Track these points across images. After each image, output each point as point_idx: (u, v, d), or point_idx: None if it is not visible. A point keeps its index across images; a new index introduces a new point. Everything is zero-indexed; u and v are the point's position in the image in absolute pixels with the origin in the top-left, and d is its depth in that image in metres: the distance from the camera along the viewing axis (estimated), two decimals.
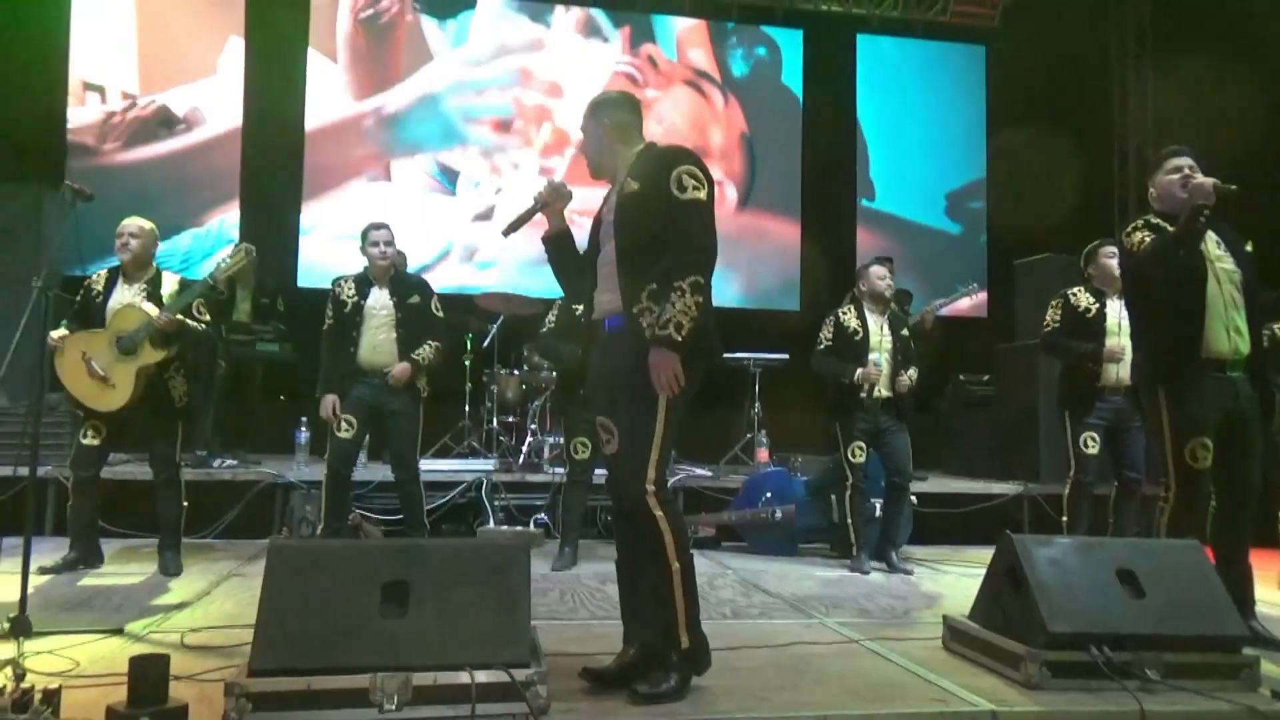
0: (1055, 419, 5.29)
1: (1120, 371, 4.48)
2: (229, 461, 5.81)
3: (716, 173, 8.79)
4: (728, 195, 8.96)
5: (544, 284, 7.72)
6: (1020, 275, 7.34)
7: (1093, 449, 4.61)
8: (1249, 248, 3.56)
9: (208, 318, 4.32)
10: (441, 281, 7.80)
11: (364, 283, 4.57)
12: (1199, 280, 3.41)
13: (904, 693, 2.70)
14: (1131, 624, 2.82)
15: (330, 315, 4.56)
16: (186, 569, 4.33)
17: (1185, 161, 3.51)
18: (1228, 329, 3.41)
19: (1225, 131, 7.57)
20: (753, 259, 8.92)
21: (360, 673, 2.34)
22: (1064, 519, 4.78)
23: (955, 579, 4.72)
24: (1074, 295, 4.74)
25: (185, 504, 4.37)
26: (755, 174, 9.11)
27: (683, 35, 9.11)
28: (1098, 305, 4.65)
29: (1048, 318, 4.82)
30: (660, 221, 2.57)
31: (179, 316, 4.10)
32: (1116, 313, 4.58)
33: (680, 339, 2.48)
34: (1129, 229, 3.55)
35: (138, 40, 8.03)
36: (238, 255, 4.22)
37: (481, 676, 2.36)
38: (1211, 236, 3.47)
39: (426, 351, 4.55)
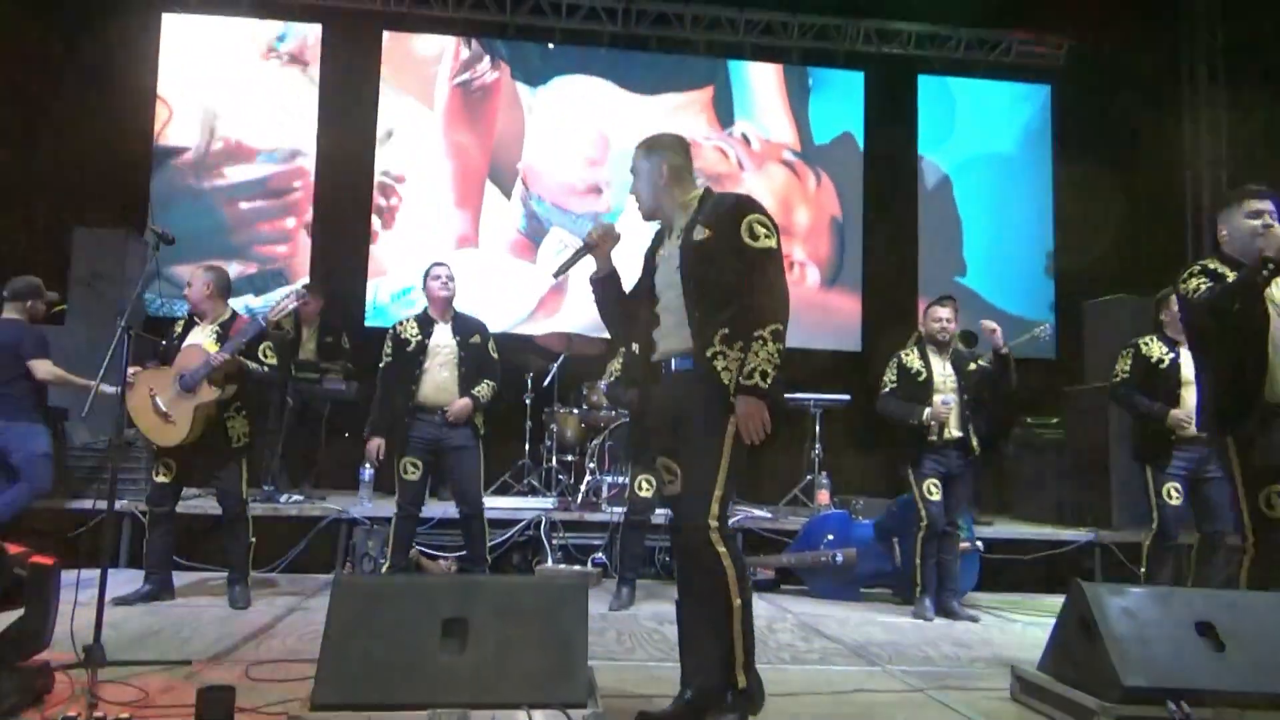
0: (1127, 464, 5.14)
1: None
2: (295, 497, 5.94)
3: (799, 253, 8.85)
4: (809, 277, 8.94)
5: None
6: (1090, 316, 7.17)
7: (1176, 500, 4.47)
8: None
9: (273, 360, 4.45)
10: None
11: (426, 322, 4.69)
12: (1261, 326, 3.26)
13: None
14: (1212, 679, 2.70)
15: (389, 354, 4.67)
16: (253, 602, 4.42)
17: (1266, 206, 3.32)
18: None
19: None
20: (819, 318, 8.87)
21: (419, 709, 2.36)
22: (1142, 570, 4.62)
23: (1023, 628, 4.58)
24: (1145, 345, 4.62)
25: (253, 540, 4.48)
26: (843, 257, 9.06)
27: (762, 99, 9.18)
28: (1171, 356, 4.51)
29: (1118, 368, 4.70)
30: (732, 269, 2.64)
31: (237, 357, 4.23)
32: (1192, 362, 4.44)
33: (766, 387, 2.55)
34: (1185, 275, 3.38)
35: (221, 87, 8.41)
36: (288, 300, 4.37)
37: (538, 716, 2.36)
38: (1277, 281, 3.31)
39: (485, 390, 4.65)
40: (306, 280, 7.81)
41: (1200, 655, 2.75)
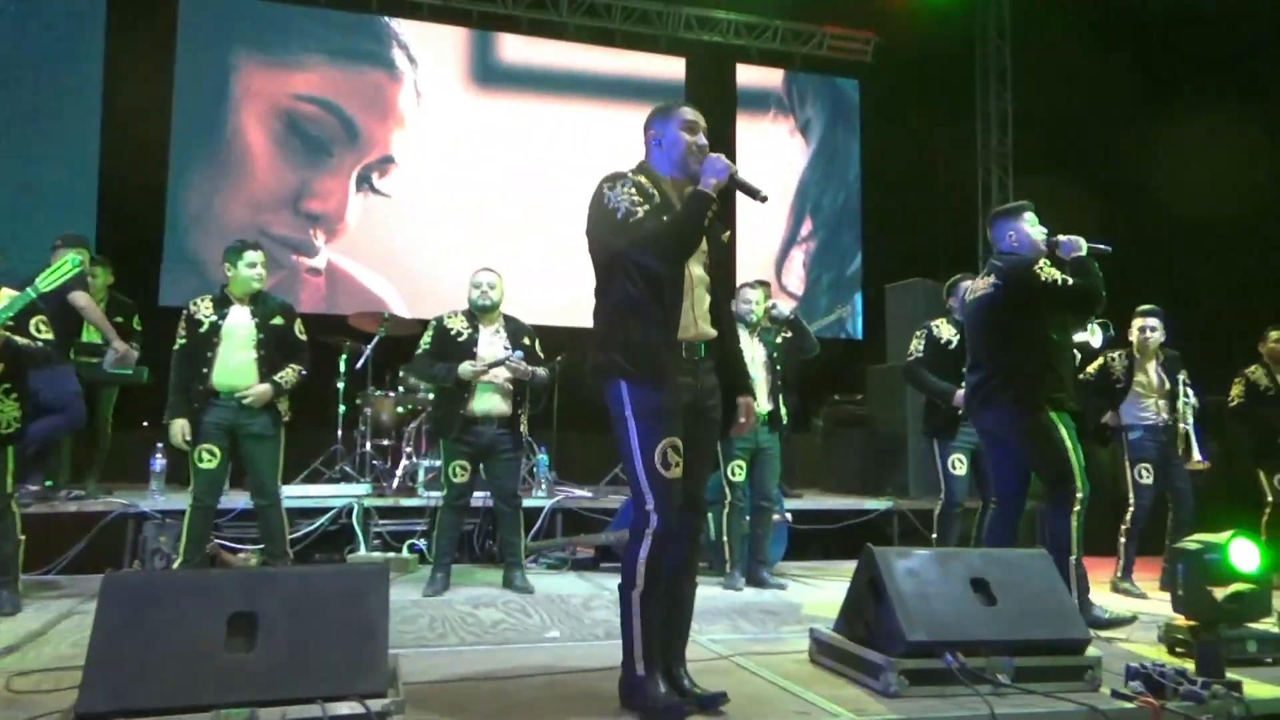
0: (923, 438, 5.53)
1: None
2: (76, 491, 5.44)
3: None
4: None
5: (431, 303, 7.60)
6: (890, 299, 7.61)
7: (961, 470, 4.87)
8: None
9: (49, 335, 4.04)
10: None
11: (222, 302, 4.40)
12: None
13: (769, 707, 2.72)
14: (984, 630, 2.92)
15: (183, 334, 4.35)
16: (24, 607, 4.02)
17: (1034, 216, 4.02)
18: None
19: (1080, 160, 8.13)
20: None
21: (202, 711, 2.22)
22: (934, 536, 4.97)
23: (827, 593, 4.80)
24: (936, 327, 4.98)
25: (22, 538, 4.06)
26: None
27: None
28: (959, 337, 4.86)
29: (911, 347, 5.06)
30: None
31: (4, 333, 3.81)
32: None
33: None
34: (1040, 265, 3.85)
35: None
36: (63, 266, 3.93)
37: (334, 709, 2.26)
38: None
39: (289, 374, 4.40)
40: (92, 252, 7.14)
41: (974, 609, 2.97)
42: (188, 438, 4.23)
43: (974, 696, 2.72)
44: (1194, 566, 3.17)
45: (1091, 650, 3.03)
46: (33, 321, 3.98)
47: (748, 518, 5.09)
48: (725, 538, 4.95)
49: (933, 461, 5.01)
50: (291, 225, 8.14)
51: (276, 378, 4.35)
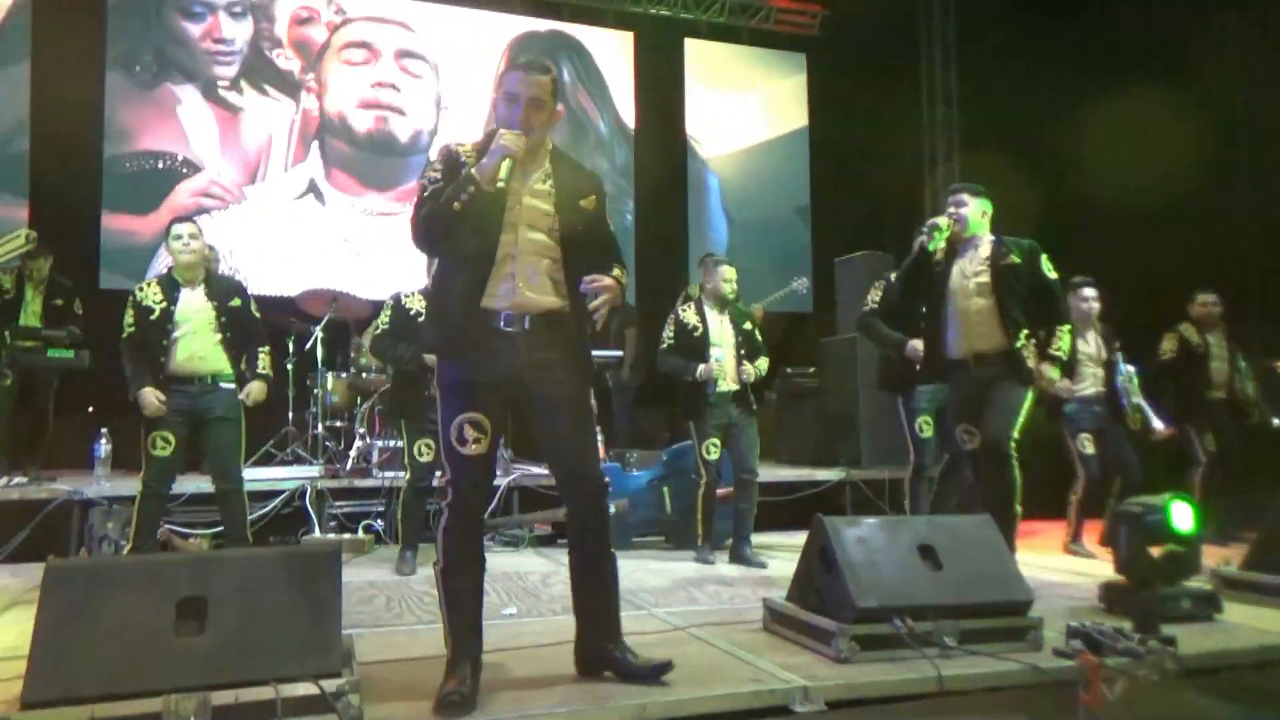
0: (873, 408, 5.54)
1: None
2: (17, 479, 5.32)
3: None
4: None
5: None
6: (840, 271, 7.68)
7: (928, 433, 4.83)
8: (1015, 259, 3.97)
9: None
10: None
11: (171, 286, 4.27)
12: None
13: (722, 675, 2.77)
14: (931, 595, 3.00)
15: (131, 323, 4.22)
16: None
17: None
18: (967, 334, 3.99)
19: (1024, 134, 8.25)
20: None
21: (152, 696, 2.19)
22: (906, 503, 4.99)
23: (783, 563, 4.87)
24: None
25: None
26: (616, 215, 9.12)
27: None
28: None
29: (869, 297, 5.05)
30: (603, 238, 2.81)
31: None
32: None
33: None
34: None
35: None
36: (14, 241, 3.79)
37: (287, 690, 2.25)
38: (979, 255, 4.01)
39: (265, 361, 4.41)
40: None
41: (921, 575, 3.05)
42: (161, 398, 4.12)
43: (922, 659, 2.80)
44: (1136, 528, 3.28)
45: (1034, 611, 3.12)
46: None
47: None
48: (699, 514, 4.94)
49: (899, 424, 4.94)
50: None
51: (260, 370, 4.34)
